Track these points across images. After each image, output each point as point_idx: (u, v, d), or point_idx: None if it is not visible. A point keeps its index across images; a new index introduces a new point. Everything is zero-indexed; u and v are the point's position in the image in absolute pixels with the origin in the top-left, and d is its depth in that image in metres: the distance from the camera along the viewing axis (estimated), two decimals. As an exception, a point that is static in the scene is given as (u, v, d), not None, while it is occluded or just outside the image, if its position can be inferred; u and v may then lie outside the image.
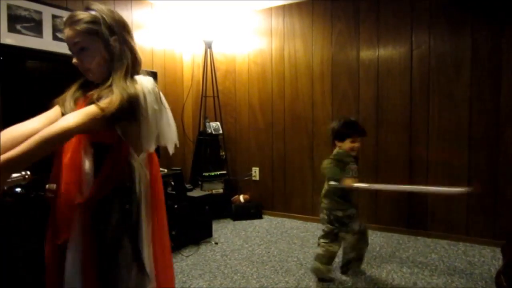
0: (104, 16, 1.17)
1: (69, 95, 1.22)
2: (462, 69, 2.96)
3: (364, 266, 2.56)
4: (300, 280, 2.37)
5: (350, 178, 2.24)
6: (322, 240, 2.36)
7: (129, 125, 1.12)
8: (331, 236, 2.34)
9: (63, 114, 1.15)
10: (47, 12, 2.63)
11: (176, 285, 2.32)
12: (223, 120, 4.00)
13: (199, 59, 4.12)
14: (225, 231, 3.37)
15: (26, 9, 2.52)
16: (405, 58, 3.16)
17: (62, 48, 2.74)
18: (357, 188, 2.21)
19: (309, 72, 3.59)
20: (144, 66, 3.70)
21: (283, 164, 3.78)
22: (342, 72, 3.43)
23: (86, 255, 1.10)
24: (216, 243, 3.05)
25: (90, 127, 1.06)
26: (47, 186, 1.17)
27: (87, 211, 1.11)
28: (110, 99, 1.07)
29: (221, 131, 3.93)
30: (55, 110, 1.20)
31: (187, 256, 2.78)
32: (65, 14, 2.75)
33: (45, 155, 0.98)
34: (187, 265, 2.63)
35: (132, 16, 3.34)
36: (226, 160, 3.99)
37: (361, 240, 2.40)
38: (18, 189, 1.32)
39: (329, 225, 2.33)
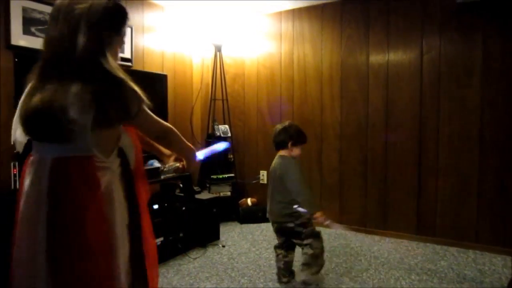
0: None
1: None
2: (473, 74, 2.93)
3: (371, 272, 2.54)
4: (307, 285, 2.35)
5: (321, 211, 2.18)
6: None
7: None
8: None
9: None
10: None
11: (183, 287, 2.32)
12: (232, 123, 4.01)
13: (209, 62, 4.14)
14: (232, 234, 3.37)
15: (40, 12, 2.56)
16: (415, 63, 3.14)
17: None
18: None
19: (318, 76, 3.59)
20: (154, 69, 3.74)
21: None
22: (351, 76, 3.42)
23: None
24: (223, 246, 3.05)
25: None
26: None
27: None
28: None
29: (229, 134, 3.93)
30: None
31: (194, 259, 2.79)
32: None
33: None
34: (194, 267, 2.63)
35: (143, 19, 3.37)
36: (234, 163, 3.99)
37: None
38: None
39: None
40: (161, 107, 3.15)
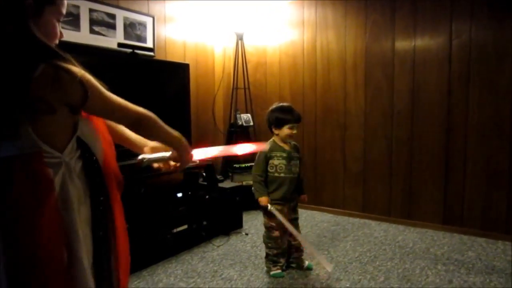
0: None
1: None
2: (505, 60, 2.81)
3: (396, 261, 2.51)
4: (331, 273, 2.35)
5: (266, 197, 2.29)
6: None
7: None
8: None
9: None
10: (84, 6, 2.71)
11: (207, 274, 2.36)
12: (254, 112, 4.00)
13: (230, 51, 4.12)
14: (255, 222, 3.39)
15: None
16: (444, 49, 3.03)
17: (99, 41, 2.83)
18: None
19: (341, 63, 3.52)
20: (176, 58, 3.75)
21: (313, 157, 3.75)
22: (376, 63, 3.35)
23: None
24: (247, 234, 3.07)
25: None
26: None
27: None
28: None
29: (251, 123, 3.93)
30: None
31: (218, 246, 2.82)
32: (102, 8, 2.82)
33: None
34: (218, 254, 2.67)
35: (165, 9, 3.38)
36: (257, 152, 3.99)
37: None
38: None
39: None
40: (183, 97, 3.17)
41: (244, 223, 3.27)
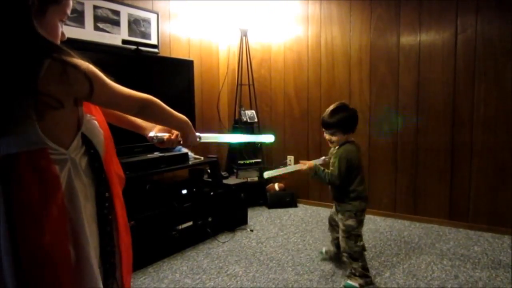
0: None
1: None
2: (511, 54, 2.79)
3: (402, 257, 2.51)
4: (336, 269, 2.35)
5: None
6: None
7: None
8: None
9: None
10: (89, 3, 2.71)
11: (212, 270, 2.37)
12: (258, 108, 3.99)
13: (235, 48, 4.12)
14: (260, 218, 3.40)
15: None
16: (449, 43, 3.01)
17: (104, 38, 2.83)
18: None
19: (346, 59, 3.51)
20: (181, 55, 3.74)
21: (318, 153, 3.74)
22: (381, 58, 3.33)
23: None
24: (252, 230, 3.08)
25: None
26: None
27: None
28: None
29: (256, 120, 3.93)
30: None
31: (223, 242, 2.83)
32: (106, 5, 2.83)
33: None
34: (223, 251, 2.68)
35: (169, 5, 3.38)
36: (261, 148, 4.00)
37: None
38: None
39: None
40: (188, 93, 3.17)
41: (249, 220, 3.28)
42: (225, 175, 3.52)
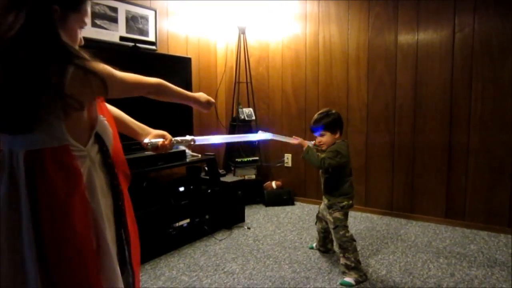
0: None
1: None
2: (509, 53, 2.79)
3: (398, 255, 2.52)
4: (333, 267, 2.36)
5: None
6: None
7: None
8: None
9: None
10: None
11: (209, 268, 2.37)
12: (256, 106, 3.99)
13: (233, 45, 4.11)
14: (257, 216, 3.40)
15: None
16: (447, 42, 3.02)
17: (101, 35, 2.82)
18: None
19: (344, 57, 3.51)
20: (178, 52, 3.74)
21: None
22: (378, 57, 3.33)
23: None
24: (249, 228, 3.08)
25: None
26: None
27: None
28: None
29: (254, 117, 3.93)
30: None
31: (220, 240, 2.83)
32: (105, 2, 2.82)
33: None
34: (220, 248, 2.68)
35: (167, 3, 3.37)
36: (259, 146, 4.00)
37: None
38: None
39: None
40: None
41: (246, 217, 3.28)
42: (222, 173, 3.53)
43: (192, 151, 3.11)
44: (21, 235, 0.93)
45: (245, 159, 3.84)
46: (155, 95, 1.20)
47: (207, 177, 3.19)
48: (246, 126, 3.97)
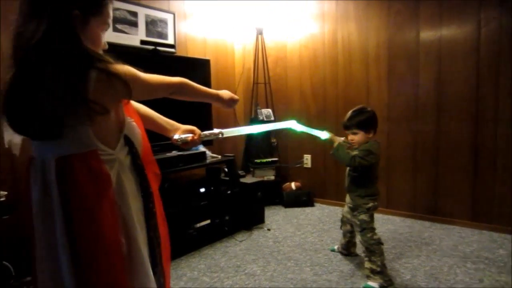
0: None
1: None
2: (538, 48, 2.69)
3: (423, 259, 2.45)
4: (355, 270, 2.31)
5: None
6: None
7: None
8: None
9: None
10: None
11: (230, 269, 2.36)
12: (275, 106, 3.97)
13: (250, 46, 4.10)
14: (277, 217, 3.38)
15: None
16: (472, 38, 2.92)
17: (122, 39, 2.85)
18: None
19: (363, 56, 3.45)
20: (197, 54, 3.75)
21: (336, 152, 3.69)
22: (399, 55, 3.26)
23: None
24: (269, 229, 3.06)
25: None
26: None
27: None
28: None
29: (272, 118, 3.91)
30: None
31: (240, 241, 2.82)
32: (125, 6, 2.85)
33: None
34: (241, 249, 2.67)
35: (185, 5, 3.38)
36: (278, 147, 3.97)
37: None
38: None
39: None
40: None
41: (266, 218, 3.26)
42: (241, 174, 3.52)
43: (212, 152, 3.12)
44: (55, 235, 0.96)
45: (264, 160, 3.82)
46: (179, 95, 1.20)
47: (227, 178, 3.19)
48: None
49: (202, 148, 2.99)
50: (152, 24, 3.07)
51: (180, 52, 3.31)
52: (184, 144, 1.31)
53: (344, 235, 2.49)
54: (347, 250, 2.51)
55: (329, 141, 2.18)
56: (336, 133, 2.27)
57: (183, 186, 2.93)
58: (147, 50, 2.90)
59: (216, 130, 1.40)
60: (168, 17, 3.20)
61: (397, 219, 3.26)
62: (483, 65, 2.89)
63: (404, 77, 3.25)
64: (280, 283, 2.18)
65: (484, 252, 2.54)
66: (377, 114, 2.29)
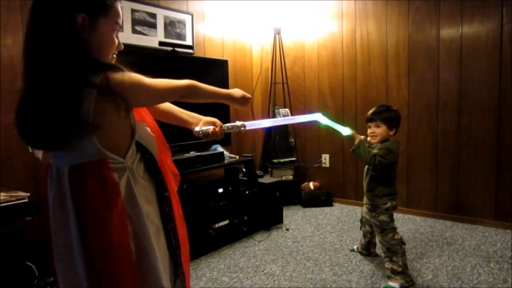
0: None
1: None
2: None
3: (445, 259, 2.42)
4: (376, 270, 2.29)
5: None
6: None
7: None
8: None
9: None
10: (126, 7, 2.78)
11: (249, 269, 2.37)
12: (293, 106, 3.96)
13: (268, 46, 4.11)
14: (295, 217, 3.38)
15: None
16: (494, 35, 2.86)
17: (141, 41, 2.90)
18: None
19: (383, 54, 3.41)
20: (215, 55, 3.78)
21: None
22: (419, 53, 3.21)
23: None
24: (287, 229, 3.06)
25: None
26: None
27: None
28: None
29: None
30: None
31: (259, 241, 2.83)
32: (144, 8, 2.89)
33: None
34: (260, 250, 2.68)
35: (203, 6, 3.41)
36: (296, 147, 3.97)
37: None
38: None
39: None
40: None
41: (284, 218, 3.27)
42: (260, 174, 3.53)
43: (230, 153, 3.14)
44: (70, 238, 0.98)
45: (282, 160, 3.82)
46: (189, 97, 1.16)
47: (245, 178, 3.20)
48: (283, 127, 3.95)
49: (220, 149, 3.01)
50: (170, 25, 3.11)
51: (198, 53, 3.34)
52: (206, 137, 1.29)
53: (364, 235, 2.48)
54: (367, 250, 2.49)
55: (351, 138, 2.15)
56: (359, 129, 2.26)
57: (202, 186, 2.96)
58: (166, 51, 2.94)
59: (238, 123, 1.38)
60: (187, 18, 3.23)
61: (417, 218, 3.22)
62: (506, 63, 2.83)
63: (425, 76, 3.20)
64: (300, 283, 2.18)
65: (508, 251, 2.49)
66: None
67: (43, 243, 1.13)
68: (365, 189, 2.28)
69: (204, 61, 3.25)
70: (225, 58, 3.38)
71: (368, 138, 2.22)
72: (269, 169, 3.82)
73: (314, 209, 3.61)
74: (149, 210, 1.04)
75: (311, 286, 2.14)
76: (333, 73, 3.75)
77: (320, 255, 2.55)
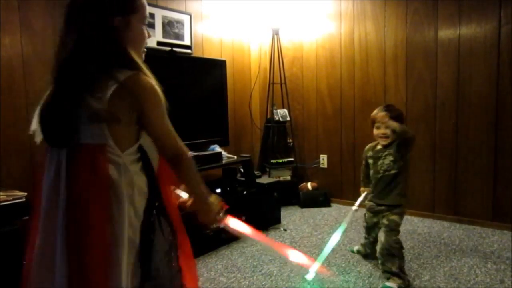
0: None
1: None
2: (562, 45, 2.62)
3: (442, 259, 2.42)
4: (373, 271, 2.30)
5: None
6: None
7: None
8: None
9: None
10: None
11: (247, 269, 2.37)
12: (291, 107, 3.97)
13: (266, 47, 4.11)
14: (293, 218, 3.38)
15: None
16: (492, 36, 2.87)
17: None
18: None
19: (381, 55, 3.42)
20: (213, 55, 3.77)
21: (352, 152, 3.67)
22: (417, 54, 3.22)
23: None
24: (285, 230, 3.07)
25: None
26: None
27: None
28: None
29: (288, 118, 3.91)
30: None
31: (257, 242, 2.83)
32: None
33: None
34: (257, 250, 2.68)
35: (202, 6, 3.41)
36: (294, 147, 3.97)
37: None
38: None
39: None
40: (220, 93, 3.19)
41: (282, 219, 3.26)
42: (258, 174, 3.52)
43: (228, 153, 3.14)
44: (56, 219, 0.99)
45: (280, 160, 3.82)
46: (176, 165, 1.11)
47: (243, 179, 3.20)
48: (281, 127, 3.96)
49: (218, 149, 3.01)
50: (169, 25, 3.11)
51: (196, 53, 3.35)
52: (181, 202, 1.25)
53: (372, 242, 2.42)
54: (371, 249, 2.44)
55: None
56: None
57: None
58: (164, 51, 2.94)
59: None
60: (185, 18, 3.24)
61: (415, 219, 3.23)
62: (503, 64, 2.84)
63: (422, 76, 3.21)
64: (297, 284, 2.18)
65: (506, 252, 2.50)
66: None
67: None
68: (377, 191, 2.26)
69: (202, 61, 3.25)
70: (223, 58, 3.38)
71: (379, 141, 2.23)
72: (267, 170, 3.82)
73: (312, 209, 3.62)
74: (131, 213, 1.02)
75: (309, 286, 2.14)
76: (331, 74, 3.76)
77: (318, 255, 2.54)
